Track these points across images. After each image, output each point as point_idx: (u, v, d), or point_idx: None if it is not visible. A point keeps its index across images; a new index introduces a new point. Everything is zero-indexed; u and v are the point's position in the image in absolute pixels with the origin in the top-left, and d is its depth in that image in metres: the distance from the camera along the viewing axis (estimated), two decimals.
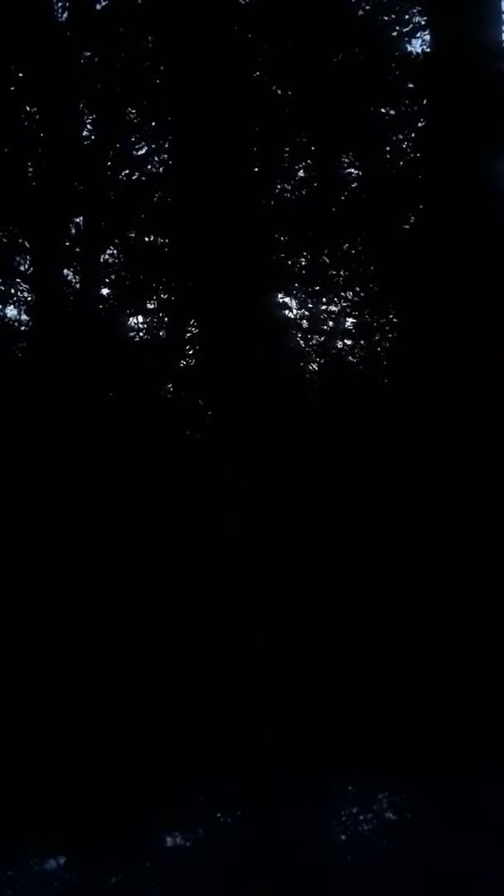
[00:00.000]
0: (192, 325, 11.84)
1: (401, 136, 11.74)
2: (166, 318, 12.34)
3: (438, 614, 8.38)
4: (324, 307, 12.67)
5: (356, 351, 12.08)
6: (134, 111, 12.19)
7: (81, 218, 12.22)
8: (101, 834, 5.57)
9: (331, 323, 12.76)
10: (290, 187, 12.19)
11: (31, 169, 12.05)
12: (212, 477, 9.35)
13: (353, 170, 12.00)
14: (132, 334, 12.09)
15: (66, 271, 12.00)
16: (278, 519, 8.94)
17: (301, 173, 12.19)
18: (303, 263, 12.22)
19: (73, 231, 12.20)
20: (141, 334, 12.15)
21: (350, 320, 12.43)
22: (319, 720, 7.16)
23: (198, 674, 7.86)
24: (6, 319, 11.85)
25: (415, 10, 11.51)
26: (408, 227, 11.50)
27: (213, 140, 9.89)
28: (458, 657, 8.03)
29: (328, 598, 8.59)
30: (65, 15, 12.03)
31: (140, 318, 12.35)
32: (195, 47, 9.92)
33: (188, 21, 9.92)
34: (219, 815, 6.13)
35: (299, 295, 12.47)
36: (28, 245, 12.00)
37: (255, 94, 11.16)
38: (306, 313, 12.72)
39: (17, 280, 12.17)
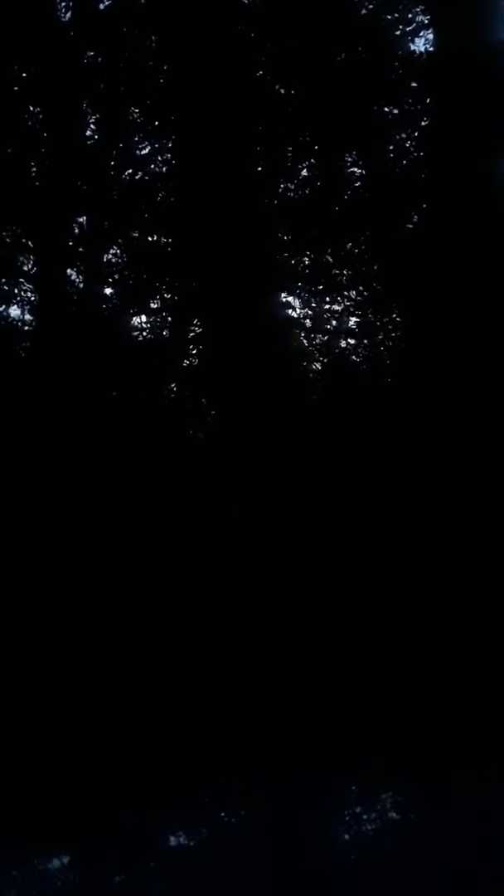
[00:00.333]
0: (196, 325, 11.83)
1: (404, 136, 11.73)
2: (169, 318, 12.32)
3: (442, 614, 8.38)
4: (327, 306, 12.65)
5: (359, 350, 12.08)
6: (137, 111, 12.17)
7: (85, 218, 12.21)
8: (105, 834, 5.58)
9: (334, 322, 12.73)
10: (293, 186, 12.18)
11: (34, 169, 12.04)
12: (215, 477, 9.35)
13: (356, 169, 11.99)
14: (135, 334, 12.09)
15: (69, 271, 11.98)
16: (282, 518, 8.94)
17: (304, 172, 12.17)
18: (306, 263, 12.21)
19: (77, 231, 12.19)
20: (144, 334, 12.14)
21: (353, 319, 12.42)
22: (320, 721, 7.16)
23: (201, 674, 7.86)
24: (10, 319, 11.85)
25: (418, 9, 11.50)
26: (411, 226, 11.50)
27: (216, 139, 9.89)
28: (458, 657, 8.03)
29: (331, 598, 8.59)
30: (68, 14, 12.03)
31: (143, 318, 12.33)
32: (198, 47, 9.93)
33: (191, 20, 9.93)
34: (222, 814, 6.13)
35: (302, 294, 12.46)
36: (31, 245, 11.99)
37: (258, 94, 11.15)
38: (309, 313, 12.70)
39: (21, 280, 12.16)
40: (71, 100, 11.76)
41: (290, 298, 12.32)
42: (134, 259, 12.14)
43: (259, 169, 11.56)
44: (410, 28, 11.60)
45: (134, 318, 12.32)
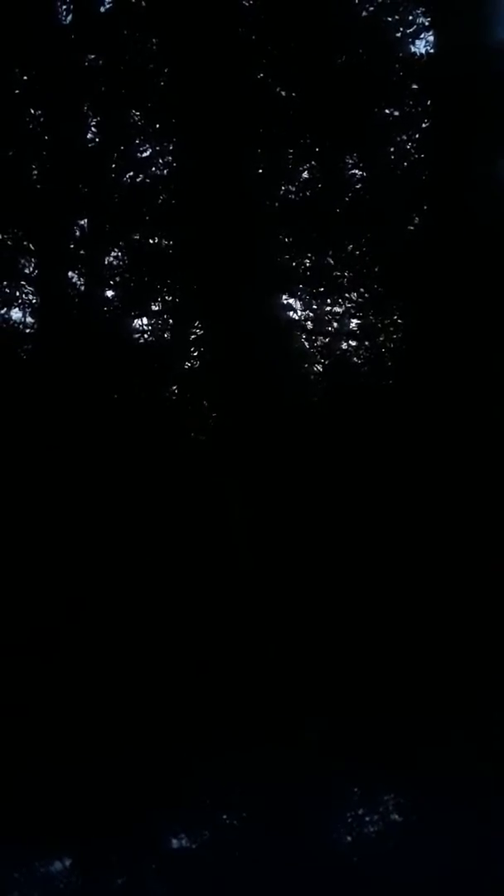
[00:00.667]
0: (197, 327, 11.84)
1: (404, 137, 11.73)
2: (170, 320, 12.33)
3: (442, 614, 8.38)
4: (328, 308, 12.65)
5: (360, 352, 12.07)
6: (138, 113, 12.18)
7: (86, 220, 12.21)
8: (106, 836, 5.58)
9: (335, 324, 12.73)
10: (293, 188, 12.18)
11: (35, 171, 12.05)
12: (216, 479, 9.35)
13: (356, 171, 12.00)
14: (136, 336, 12.09)
15: (70, 274, 11.99)
16: (283, 520, 8.94)
17: (305, 174, 12.18)
18: (307, 265, 12.21)
19: (78, 233, 12.20)
20: (145, 336, 12.14)
21: (354, 321, 12.42)
22: (321, 721, 7.16)
23: (202, 677, 7.86)
24: (11, 322, 11.86)
25: (418, 11, 11.51)
26: (412, 228, 11.50)
27: (217, 142, 9.90)
28: (458, 658, 8.03)
29: (332, 599, 8.59)
30: (69, 17, 12.04)
31: (144, 321, 12.34)
32: (199, 49, 9.94)
33: (192, 23, 9.94)
34: (223, 816, 6.13)
35: (303, 296, 12.45)
36: (32, 248, 12.00)
37: (258, 96, 11.16)
38: (310, 315, 12.70)
39: (22, 283, 12.17)
40: (72, 102, 11.77)
41: (291, 300, 12.33)
42: (135, 261, 12.14)
43: (260, 171, 11.56)
44: (411, 30, 11.60)
45: (135, 321, 12.32)
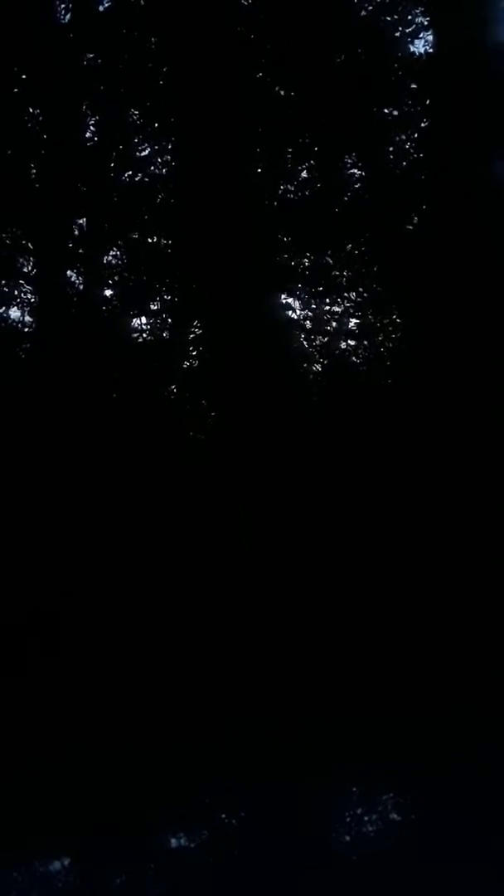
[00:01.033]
0: (195, 327, 11.83)
1: (403, 137, 11.73)
2: (169, 320, 12.32)
3: (442, 614, 8.38)
4: (327, 308, 12.65)
5: (359, 351, 12.07)
6: (137, 112, 12.18)
7: (84, 219, 12.21)
8: (105, 835, 5.57)
9: (334, 323, 12.73)
10: (292, 188, 12.18)
11: (33, 171, 12.04)
12: (216, 478, 9.35)
13: (355, 170, 12.00)
14: (135, 336, 12.08)
15: (69, 273, 11.98)
16: (283, 518, 8.94)
17: (304, 174, 12.18)
18: (306, 264, 12.20)
19: (76, 233, 12.19)
20: (144, 336, 12.14)
21: (353, 321, 12.42)
22: (321, 722, 7.15)
23: (202, 675, 7.86)
24: (10, 321, 11.85)
25: (417, 11, 11.51)
26: (411, 227, 11.50)
27: (215, 141, 9.90)
28: (459, 658, 8.03)
29: (333, 597, 8.59)
30: (67, 16, 12.03)
31: (143, 320, 12.33)
32: (198, 49, 9.94)
33: (191, 22, 9.94)
34: (223, 815, 6.13)
35: (302, 296, 12.45)
36: (31, 247, 11.99)
37: (257, 96, 11.16)
38: (309, 314, 12.69)
39: (21, 282, 12.16)
40: (70, 101, 11.77)
41: (290, 300, 12.33)
42: (134, 261, 12.14)
43: (259, 170, 11.56)
44: (410, 30, 11.61)
45: (134, 320, 12.32)
